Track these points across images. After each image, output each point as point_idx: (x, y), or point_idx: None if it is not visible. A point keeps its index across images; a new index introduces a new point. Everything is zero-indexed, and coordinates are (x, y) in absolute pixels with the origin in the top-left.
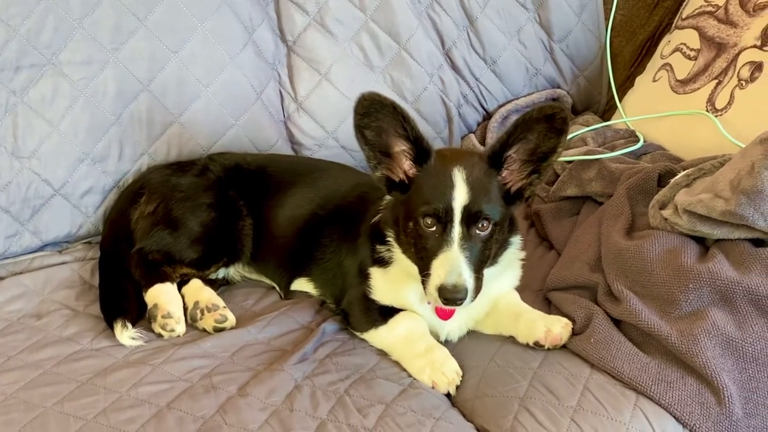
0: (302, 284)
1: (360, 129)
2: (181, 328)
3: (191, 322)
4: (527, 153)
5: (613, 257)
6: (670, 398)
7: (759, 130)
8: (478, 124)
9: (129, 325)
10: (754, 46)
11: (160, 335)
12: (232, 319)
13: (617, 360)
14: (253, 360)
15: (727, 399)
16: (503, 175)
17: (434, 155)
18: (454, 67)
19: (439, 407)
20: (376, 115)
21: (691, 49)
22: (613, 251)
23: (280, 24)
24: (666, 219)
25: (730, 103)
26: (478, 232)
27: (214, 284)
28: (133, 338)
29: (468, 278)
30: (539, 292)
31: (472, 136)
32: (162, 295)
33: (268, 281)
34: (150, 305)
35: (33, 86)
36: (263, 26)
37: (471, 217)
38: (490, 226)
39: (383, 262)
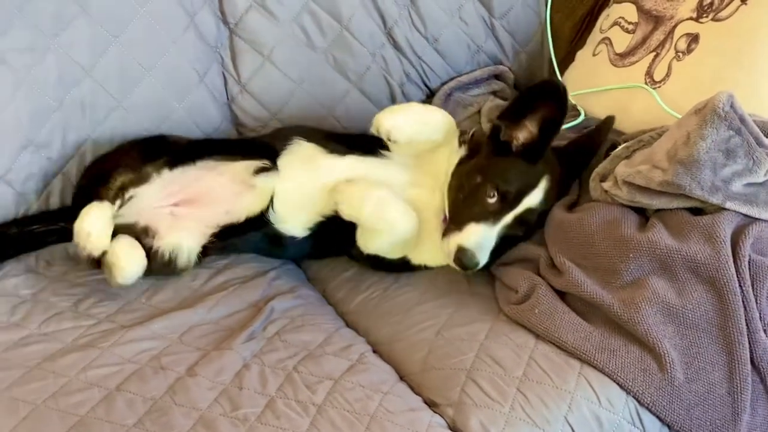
0: None
1: (530, 98)
2: (91, 245)
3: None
4: None
5: (555, 230)
6: (614, 366)
7: (695, 101)
8: (422, 102)
9: None
10: (690, 18)
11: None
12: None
13: (561, 330)
14: (202, 340)
15: (669, 365)
16: None
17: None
18: (396, 45)
19: (387, 381)
20: (549, 101)
21: (629, 23)
22: (555, 224)
23: (221, 6)
24: (606, 191)
25: (667, 75)
26: (516, 230)
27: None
28: None
29: (485, 258)
30: None
31: None
32: (82, 216)
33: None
34: None
35: None
36: (204, 9)
37: (522, 219)
38: (524, 232)
39: None
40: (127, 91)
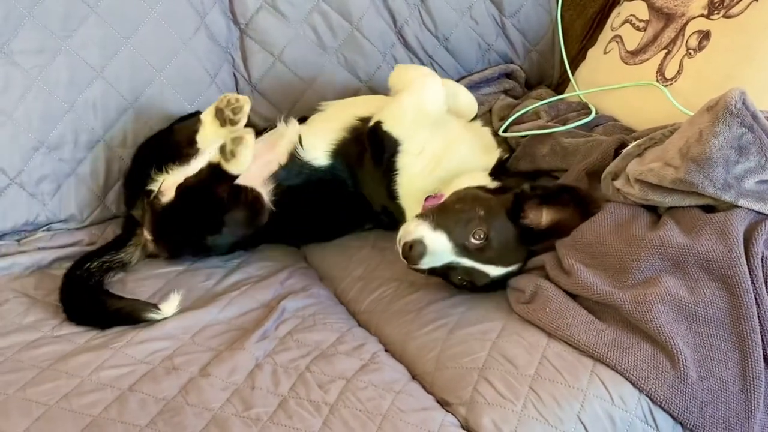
0: None
1: (569, 197)
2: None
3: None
4: None
5: None
6: (626, 364)
7: (707, 98)
8: None
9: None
10: (702, 15)
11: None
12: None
13: (573, 328)
14: (214, 340)
15: (681, 363)
16: None
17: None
18: (406, 45)
19: (399, 380)
20: (576, 212)
21: (640, 20)
22: None
23: (231, 7)
24: (618, 189)
25: (679, 72)
26: (462, 275)
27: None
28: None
29: (425, 265)
30: None
31: None
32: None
33: None
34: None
35: None
36: (215, 9)
37: (474, 276)
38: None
39: None
40: (139, 92)
